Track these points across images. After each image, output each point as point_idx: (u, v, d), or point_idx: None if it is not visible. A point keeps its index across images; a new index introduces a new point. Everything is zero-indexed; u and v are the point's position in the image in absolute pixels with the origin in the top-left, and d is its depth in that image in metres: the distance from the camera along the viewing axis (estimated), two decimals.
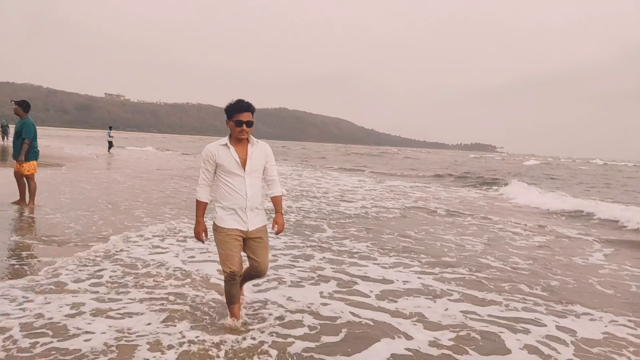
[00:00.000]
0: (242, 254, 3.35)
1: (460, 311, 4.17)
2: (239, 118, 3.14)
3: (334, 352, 3.24)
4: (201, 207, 3.28)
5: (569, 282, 5.41)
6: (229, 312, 3.48)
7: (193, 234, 3.41)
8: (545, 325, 3.97)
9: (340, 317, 3.87)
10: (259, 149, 3.30)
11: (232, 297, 3.38)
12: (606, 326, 4.04)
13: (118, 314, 3.63)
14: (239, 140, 3.21)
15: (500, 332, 3.76)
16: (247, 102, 3.16)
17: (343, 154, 62.03)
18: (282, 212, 3.46)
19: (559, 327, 3.95)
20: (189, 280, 4.57)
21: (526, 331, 3.82)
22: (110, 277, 4.54)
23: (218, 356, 3.03)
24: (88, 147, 37.64)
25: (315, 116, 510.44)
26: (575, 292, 5.03)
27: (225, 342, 3.22)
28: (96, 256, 5.23)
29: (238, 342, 3.24)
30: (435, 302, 4.40)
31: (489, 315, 4.12)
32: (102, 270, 4.75)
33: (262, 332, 3.44)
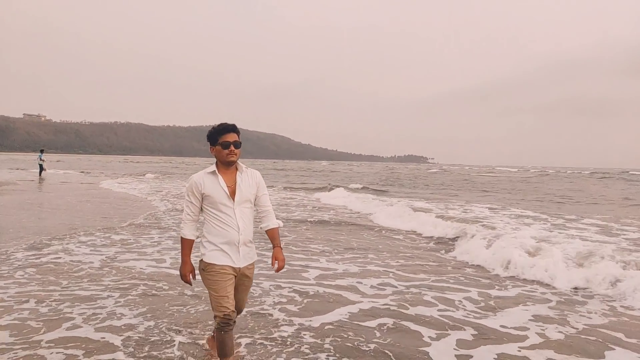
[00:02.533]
0: None
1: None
2: (225, 139, 2.86)
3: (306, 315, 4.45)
4: (187, 246, 2.95)
5: None
6: None
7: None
8: None
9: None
10: (249, 177, 3.01)
11: (225, 348, 3.00)
12: None
13: None
14: (227, 167, 2.93)
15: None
16: (231, 124, 2.90)
17: (273, 169, 63.74)
18: (281, 245, 3.13)
19: None
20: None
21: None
22: None
23: None
24: (10, 172, 35.88)
25: (251, 132, 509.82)
26: None
27: None
28: None
29: None
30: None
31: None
32: None
33: None
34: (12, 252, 7.37)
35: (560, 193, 25.40)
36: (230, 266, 2.93)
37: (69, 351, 3.82)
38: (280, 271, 3.09)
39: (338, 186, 25.12)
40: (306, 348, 3.87)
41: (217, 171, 2.94)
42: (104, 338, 4.08)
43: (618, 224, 11.75)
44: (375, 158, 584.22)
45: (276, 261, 3.03)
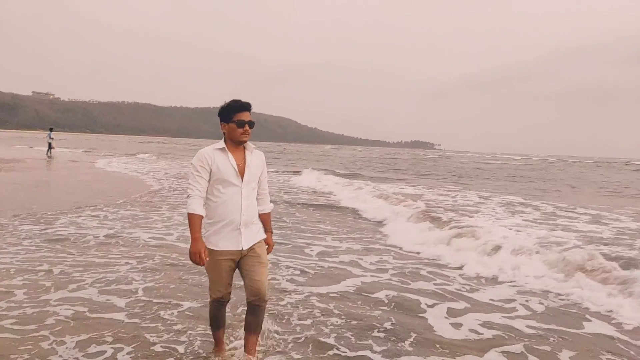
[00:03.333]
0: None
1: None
2: (240, 118, 2.76)
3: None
4: (197, 222, 2.75)
5: None
6: (214, 341, 3.24)
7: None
8: None
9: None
10: (257, 158, 2.94)
11: (219, 322, 3.11)
12: None
13: None
14: (236, 145, 2.84)
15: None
16: (246, 102, 2.82)
17: (279, 152, 64.12)
18: (272, 230, 3.12)
19: None
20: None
21: None
22: None
23: None
24: (21, 149, 36.41)
25: (258, 115, 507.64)
26: None
27: None
28: None
29: None
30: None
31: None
32: None
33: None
34: (18, 225, 7.81)
35: (560, 181, 25.57)
36: (229, 250, 2.82)
37: (76, 308, 4.26)
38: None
39: (325, 170, 25.55)
40: (317, 312, 4.37)
41: (226, 148, 2.82)
42: (109, 300, 4.52)
43: (611, 213, 12.00)
44: (382, 143, 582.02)
45: (266, 245, 3.03)
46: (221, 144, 2.85)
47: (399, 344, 3.74)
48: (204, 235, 2.81)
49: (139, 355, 3.42)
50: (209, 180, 2.80)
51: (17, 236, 6.97)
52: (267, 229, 3.03)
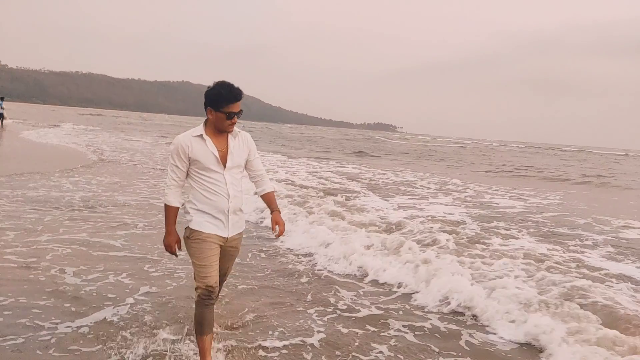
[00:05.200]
0: None
1: None
2: (231, 110, 2.58)
3: None
4: (172, 213, 2.68)
5: None
6: (198, 349, 2.77)
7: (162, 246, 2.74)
8: None
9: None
10: (241, 141, 2.77)
11: (205, 324, 2.72)
12: None
13: None
14: (218, 131, 2.67)
15: None
16: (238, 89, 2.61)
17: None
18: (279, 209, 2.93)
19: None
20: None
21: None
22: None
23: None
24: None
25: None
26: None
27: None
28: None
29: None
30: None
31: None
32: None
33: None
34: None
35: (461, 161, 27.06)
36: (217, 235, 2.68)
37: (73, 246, 4.66)
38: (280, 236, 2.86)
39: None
40: None
41: (204, 134, 2.64)
42: (101, 241, 4.94)
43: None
44: (345, 124, 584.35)
45: (277, 225, 2.80)
46: (199, 130, 2.65)
47: None
48: (193, 219, 2.67)
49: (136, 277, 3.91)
50: (189, 167, 2.66)
51: None
52: (273, 209, 2.87)
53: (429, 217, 7.46)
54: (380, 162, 21.21)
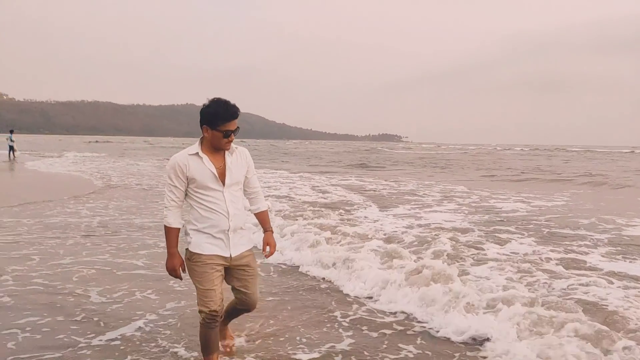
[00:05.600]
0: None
1: None
2: (227, 128, 2.54)
3: None
4: (173, 235, 2.63)
5: None
6: None
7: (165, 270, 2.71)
8: None
9: None
10: (239, 157, 2.72)
11: (210, 345, 2.75)
12: None
13: None
14: (215, 149, 2.63)
15: None
16: (235, 106, 2.58)
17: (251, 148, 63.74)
18: (272, 229, 2.92)
19: None
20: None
21: None
22: None
23: None
24: None
25: None
26: None
27: None
28: None
29: None
30: None
31: None
32: None
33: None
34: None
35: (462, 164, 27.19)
36: (219, 255, 2.63)
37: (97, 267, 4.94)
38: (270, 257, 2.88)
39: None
40: None
41: (200, 152, 2.60)
42: (124, 262, 5.21)
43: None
44: (350, 137, 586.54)
45: (267, 246, 2.81)
46: (194, 148, 2.62)
47: None
48: (192, 241, 2.64)
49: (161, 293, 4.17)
50: (187, 187, 2.62)
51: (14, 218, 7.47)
52: (266, 229, 2.86)
53: (427, 226, 7.62)
54: (384, 173, 21.42)
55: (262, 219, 2.90)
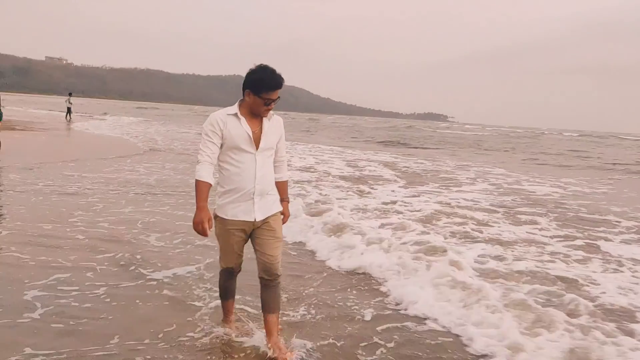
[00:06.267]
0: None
1: None
2: (270, 97, 2.56)
3: None
4: (204, 190, 2.60)
5: None
6: (222, 312, 3.09)
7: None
8: None
9: None
10: (275, 124, 2.74)
11: (228, 292, 3.00)
12: None
13: None
14: (253, 113, 2.65)
15: None
16: (280, 76, 2.57)
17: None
18: (289, 199, 2.98)
19: None
20: None
21: None
22: None
23: None
24: (48, 112, 37.59)
25: None
26: None
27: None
28: None
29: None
30: None
31: None
32: None
33: None
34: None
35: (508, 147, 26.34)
36: (241, 221, 2.66)
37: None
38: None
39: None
40: None
41: (239, 113, 2.62)
42: (184, 214, 5.93)
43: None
44: (394, 115, 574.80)
45: (281, 215, 2.85)
46: (234, 108, 2.64)
47: None
48: (217, 203, 2.70)
49: None
50: (221, 146, 2.63)
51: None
52: (283, 199, 2.89)
53: (446, 204, 7.84)
54: (421, 152, 21.51)
55: (282, 188, 2.92)
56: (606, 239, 5.90)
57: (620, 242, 5.84)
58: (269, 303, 2.79)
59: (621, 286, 4.16)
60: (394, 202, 7.69)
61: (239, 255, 2.82)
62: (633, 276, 4.48)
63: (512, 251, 5.17)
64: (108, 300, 3.44)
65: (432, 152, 21.59)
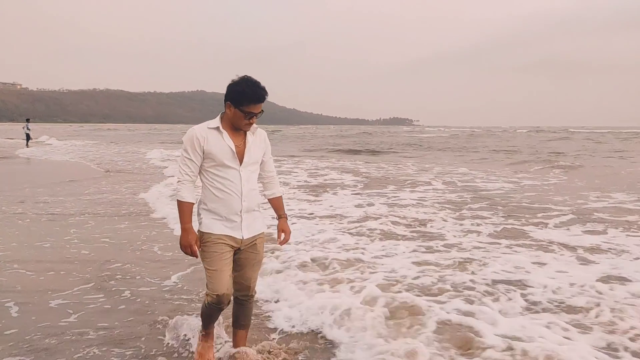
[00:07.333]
0: None
1: None
2: (252, 110, 2.45)
3: None
4: (187, 210, 2.52)
5: None
6: (200, 339, 2.81)
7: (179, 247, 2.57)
8: None
9: None
10: (259, 138, 2.64)
11: (211, 320, 2.73)
12: None
13: None
14: (236, 127, 2.53)
15: None
16: (263, 89, 2.46)
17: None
18: (286, 215, 2.82)
19: None
20: None
21: None
22: None
23: None
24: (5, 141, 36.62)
25: None
26: None
27: None
28: None
29: None
30: None
31: None
32: None
33: None
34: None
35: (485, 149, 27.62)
36: (229, 236, 2.54)
37: None
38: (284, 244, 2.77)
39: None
40: None
41: (221, 127, 2.51)
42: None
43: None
44: (360, 121, 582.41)
45: (282, 233, 2.73)
46: (215, 122, 2.53)
47: None
48: (203, 221, 2.56)
49: None
50: (203, 162, 2.52)
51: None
52: (280, 215, 2.77)
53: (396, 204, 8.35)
54: (384, 158, 22.09)
55: (277, 205, 2.79)
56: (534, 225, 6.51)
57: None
58: (240, 320, 2.80)
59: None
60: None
61: (230, 278, 2.56)
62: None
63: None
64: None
65: (394, 158, 22.31)
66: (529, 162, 17.73)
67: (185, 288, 4.18)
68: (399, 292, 3.89)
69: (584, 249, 5.27)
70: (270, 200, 2.80)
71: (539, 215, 7.19)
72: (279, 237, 2.74)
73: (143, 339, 3.19)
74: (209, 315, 2.67)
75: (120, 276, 4.48)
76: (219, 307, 2.56)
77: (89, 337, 3.24)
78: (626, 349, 2.96)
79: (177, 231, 5.14)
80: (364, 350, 2.94)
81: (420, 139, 43.27)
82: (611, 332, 3.17)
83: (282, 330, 3.35)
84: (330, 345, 3.09)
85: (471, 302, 3.70)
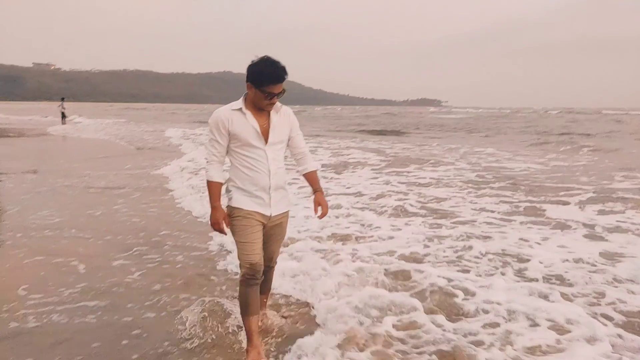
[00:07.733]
0: None
1: None
2: (272, 90, 2.48)
3: None
4: (216, 189, 2.60)
5: None
6: (245, 332, 2.73)
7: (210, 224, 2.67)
8: None
9: None
10: (283, 116, 2.67)
11: (250, 305, 2.67)
12: None
13: None
14: (259, 108, 2.58)
15: None
16: (283, 68, 2.48)
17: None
18: (322, 189, 2.84)
19: None
20: None
21: None
22: None
23: None
24: (44, 118, 38.04)
25: None
26: None
27: None
28: None
29: None
30: None
31: None
32: None
33: None
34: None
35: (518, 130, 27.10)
36: (259, 212, 2.61)
37: None
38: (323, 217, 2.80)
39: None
40: None
41: (244, 108, 2.57)
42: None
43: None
44: (388, 102, 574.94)
45: (319, 207, 2.76)
46: (238, 103, 2.58)
47: None
48: (234, 197, 2.63)
49: None
50: (229, 143, 2.60)
51: None
52: (316, 189, 2.79)
53: (413, 183, 8.44)
54: (408, 139, 21.92)
55: (311, 179, 2.83)
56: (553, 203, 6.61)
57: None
58: (261, 286, 2.79)
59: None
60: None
61: (261, 249, 2.63)
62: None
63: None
64: None
65: (419, 138, 22.20)
66: (557, 143, 17.46)
67: (231, 251, 4.46)
68: (394, 261, 4.19)
69: (596, 227, 5.32)
70: (305, 175, 2.83)
71: (561, 193, 7.20)
72: (315, 210, 2.75)
73: (205, 288, 3.68)
74: (245, 296, 2.65)
75: (171, 242, 4.84)
76: (254, 277, 2.60)
77: (155, 288, 3.67)
78: (610, 318, 3.13)
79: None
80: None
81: (443, 120, 42.73)
82: (594, 304, 3.34)
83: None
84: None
85: (467, 272, 3.95)
